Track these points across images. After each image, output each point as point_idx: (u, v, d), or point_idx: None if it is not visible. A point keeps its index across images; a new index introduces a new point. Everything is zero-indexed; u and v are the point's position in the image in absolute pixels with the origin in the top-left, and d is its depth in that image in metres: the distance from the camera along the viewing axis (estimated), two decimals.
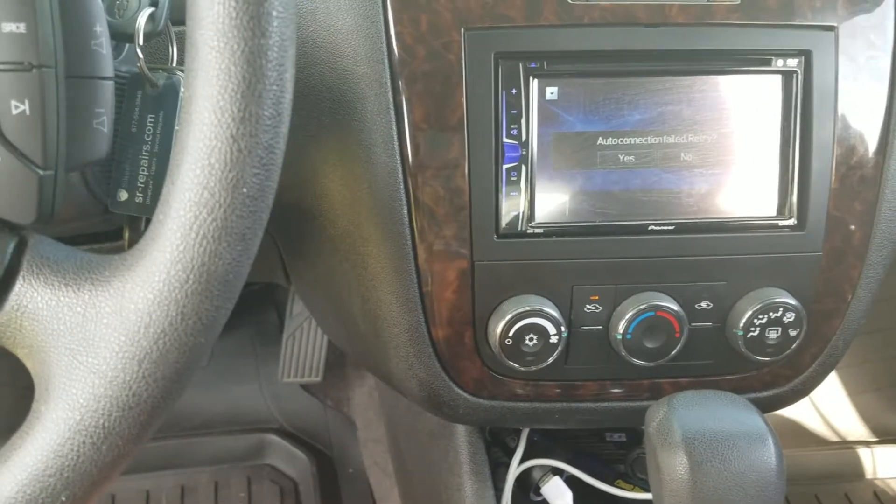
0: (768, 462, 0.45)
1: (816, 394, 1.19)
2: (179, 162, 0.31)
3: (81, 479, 0.33)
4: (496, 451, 0.71)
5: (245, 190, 0.31)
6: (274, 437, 1.20)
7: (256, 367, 1.22)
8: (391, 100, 0.52)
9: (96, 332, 0.32)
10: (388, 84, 0.52)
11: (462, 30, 0.51)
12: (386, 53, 0.51)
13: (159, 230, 0.32)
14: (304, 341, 1.15)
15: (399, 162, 0.53)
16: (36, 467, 0.32)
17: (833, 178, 0.55)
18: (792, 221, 0.56)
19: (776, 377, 0.61)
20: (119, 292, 0.32)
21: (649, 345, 0.56)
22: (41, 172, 0.33)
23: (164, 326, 0.32)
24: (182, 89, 0.38)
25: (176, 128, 0.45)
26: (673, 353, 0.56)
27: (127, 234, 0.48)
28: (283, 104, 0.32)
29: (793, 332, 0.56)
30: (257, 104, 0.31)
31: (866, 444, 1.16)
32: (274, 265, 0.77)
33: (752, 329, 0.56)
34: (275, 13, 0.30)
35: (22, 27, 0.31)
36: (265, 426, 1.21)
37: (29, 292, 0.33)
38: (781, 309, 0.55)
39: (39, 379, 0.33)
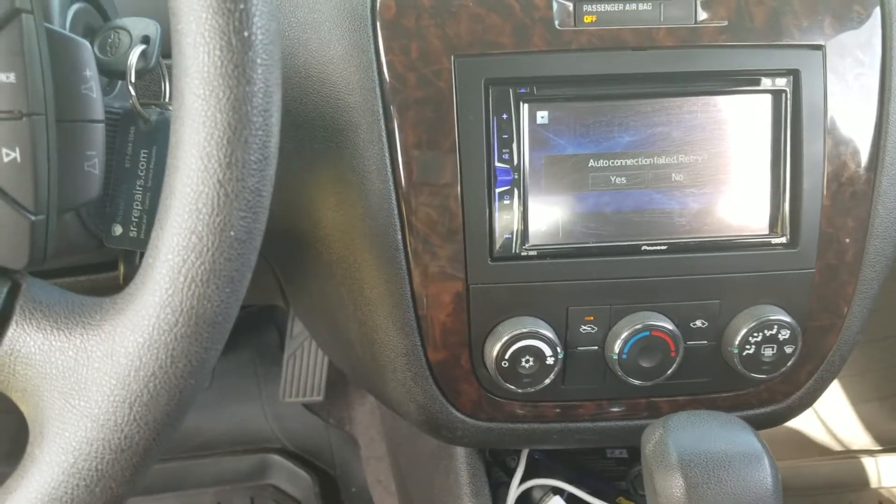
0: (764, 482, 0.45)
1: (819, 403, 1.18)
2: (167, 206, 0.31)
3: None
4: (496, 471, 0.71)
5: (233, 233, 0.31)
6: (277, 457, 1.20)
7: (258, 387, 1.22)
8: (383, 127, 0.52)
9: (88, 375, 0.32)
10: (381, 111, 0.52)
11: (452, 57, 0.52)
12: (377, 82, 0.52)
13: (148, 274, 0.32)
14: (306, 361, 1.15)
15: (392, 187, 0.53)
16: None
17: (825, 195, 0.55)
18: (784, 239, 0.56)
19: (773, 394, 0.61)
20: (110, 336, 0.32)
21: (645, 364, 0.56)
22: (33, 218, 0.33)
23: (154, 369, 0.32)
24: None
25: None
26: (669, 372, 0.57)
27: (122, 268, 0.49)
28: (270, 148, 0.32)
29: (788, 349, 0.56)
30: (243, 149, 0.31)
31: (870, 453, 1.16)
32: (272, 288, 0.77)
33: (748, 347, 0.56)
34: (259, 60, 0.31)
35: (12, 77, 0.32)
36: (268, 446, 1.21)
37: (22, 337, 0.33)
38: (776, 326, 0.55)
39: (33, 422, 0.34)
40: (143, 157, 0.46)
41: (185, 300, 0.31)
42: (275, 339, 1.22)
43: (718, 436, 0.47)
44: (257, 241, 0.33)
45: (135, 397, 0.32)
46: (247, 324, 1.21)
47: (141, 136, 0.46)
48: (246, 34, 0.30)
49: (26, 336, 0.33)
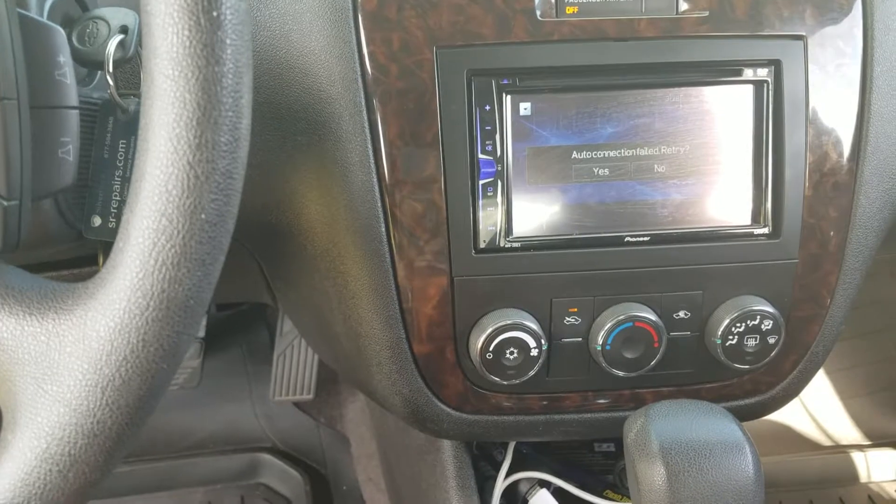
0: (745, 470, 0.45)
1: (809, 398, 1.19)
2: (138, 189, 0.31)
3: None
4: (483, 464, 0.71)
5: (203, 216, 0.31)
6: (267, 456, 1.19)
7: (248, 386, 1.22)
8: (366, 118, 0.52)
9: (60, 360, 0.32)
10: (363, 103, 0.52)
11: (434, 48, 0.52)
12: (359, 73, 0.52)
13: (119, 258, 0.32)
14: (296, 359, 1.14)
15: (376, 180, 0.53)
16: (3, 497, 0.33)
17: (807, 185, 0.55)
18: (767, 230, 0.56)
19: (757, 384, 0.61)
20: (82, 321, 0.32)
21: (629, 355, 0.56)
22: (5, 203, 0.33)
23: (125, 354, 0.32)
24: None
25: None
26: (652, 363, 0.57)
27: (101, 260, 0.49)
28: (240, 130, 0.32)
29: (771, 340, 0.56)
30: (213, 131, 0.31)
31: (860, 447, 1.16)
32: (259, 285, 0.77)
33: (731, 337, 0.56)
34: (228, 41, 0.31)
35: None
36: (258, 445, 1.21)
37: None
38: (759, 317, 0.56)
39: (6, 408, 0.34)
40: (122, 148, 0.46)
41: (156, 284, 0.31)
42: (265, 337, 1.22)
43: (700, 424, 0.47)
44: (229, 224, 0.33)
45: (107, 382, 0.32)
46: (237, 323, 1.21)
47: (120, 127, 0.46)
48: (215, 14, 0.30)
49: None
